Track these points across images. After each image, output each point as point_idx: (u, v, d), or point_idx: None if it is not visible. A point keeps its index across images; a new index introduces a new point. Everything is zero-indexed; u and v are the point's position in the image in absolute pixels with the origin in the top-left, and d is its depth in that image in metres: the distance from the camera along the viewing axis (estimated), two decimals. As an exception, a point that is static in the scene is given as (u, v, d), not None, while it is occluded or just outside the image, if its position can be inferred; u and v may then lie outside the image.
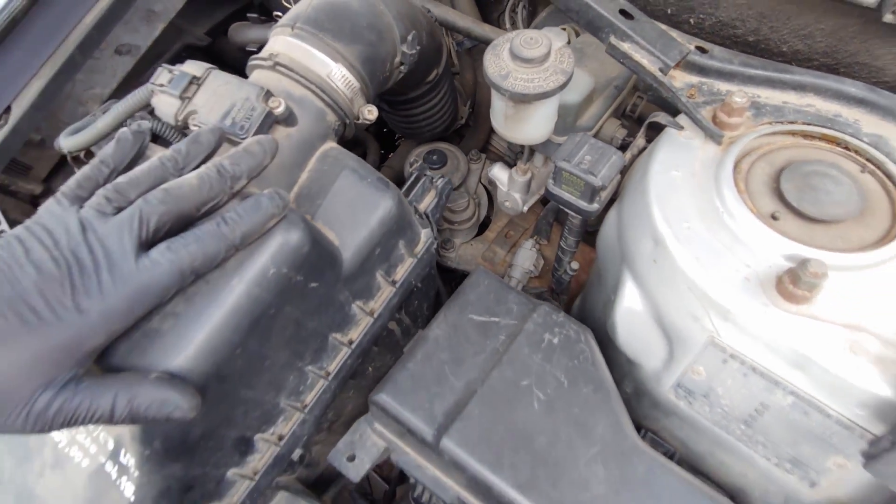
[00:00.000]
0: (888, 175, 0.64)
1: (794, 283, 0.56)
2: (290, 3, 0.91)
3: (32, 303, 0.46)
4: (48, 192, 0.94)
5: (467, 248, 1.16)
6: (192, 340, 0.55)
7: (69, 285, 0.48)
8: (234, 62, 1.11)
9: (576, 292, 1.06)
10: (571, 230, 0.87)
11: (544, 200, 1.14)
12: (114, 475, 0.62)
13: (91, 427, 0.63)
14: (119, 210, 0.51)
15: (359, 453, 0.79)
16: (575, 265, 0.92)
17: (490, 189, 1.21)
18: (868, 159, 0.66)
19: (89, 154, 0.86)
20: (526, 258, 1.08)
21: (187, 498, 0.65)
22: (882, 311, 0.56)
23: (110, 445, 0.62)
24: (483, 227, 1.21)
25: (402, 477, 1.15)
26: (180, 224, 0.52)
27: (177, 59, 1.01)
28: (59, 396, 0.48)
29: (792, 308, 0.57)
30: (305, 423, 0.75)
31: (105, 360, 0.54)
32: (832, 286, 0.57)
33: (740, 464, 0.67)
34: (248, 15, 1.00)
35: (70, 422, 0.49)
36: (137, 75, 0.96)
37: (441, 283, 1.00)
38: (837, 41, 0.73)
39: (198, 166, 0.55)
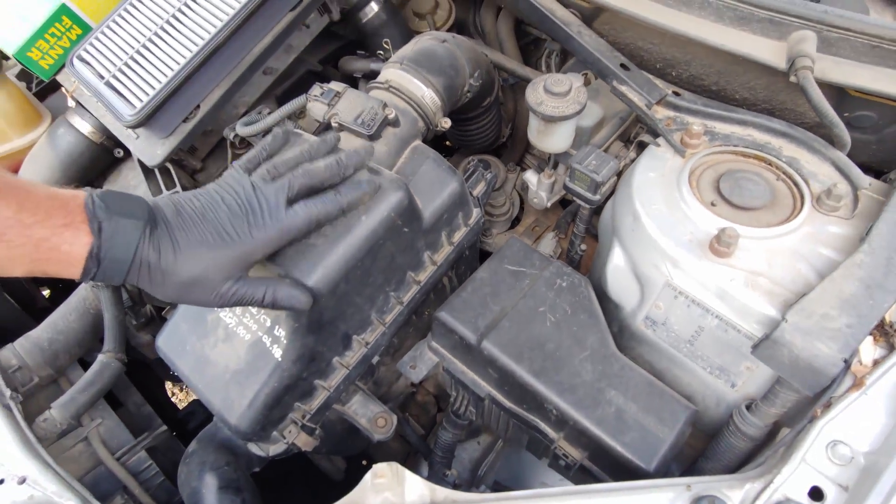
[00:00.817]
0: (795, 182, 0.96)
1: (718, 242, 0.87)
2: (388, 45, 1.27)
3: (227, 229, 0.75)
4: (204, 168, 1.30)
5: (502, 237, 1.49)
6: (333, 251, 0.88)
7: (246, 221, 0.76)
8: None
9: (583, 273, 1.37)
10: (581, 219, 1.19)
11: (563, 204, 1.46)
12: (268, 344, 0.95)
13: (254, 311, 0.96)
14: (275, 179, 0.81)
15: (418, 364, 1.11)
16: (584, 246, 1.24)
17: (522, 194, 1.54)
18: (784, 172, 0.98)
19: (243, 142, 1.22)
20: (548, 246, 1.40)
21: (310, 366, 0.97)
22: (773, 263, 0.87)
23: (268, 323, 0.95)
24: (515, 223, 1.54)
25: (439, 408, 1.46)
26: (312, 192, 0.82)
27: (301, 82, 1.38)
28: (235, 285, 0.77)
29: (718, 260, 0.88)
30: (384, 335, 1.07)
31: (280, 258, 0.87)
32: (745, 248, 0.89)
33: (687, 375, 0.98)
34: (358, 52, 1.37)
35: (238, 302, 0.79)
36: (271, 90, 1.32)
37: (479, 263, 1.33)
38: (772, 93, 1.05)
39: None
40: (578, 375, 0.94)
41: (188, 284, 0.75)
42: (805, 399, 0.82)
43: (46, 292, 1.82)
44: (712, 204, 0.94)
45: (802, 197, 0.93)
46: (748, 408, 0.88)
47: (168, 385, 2.41)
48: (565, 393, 0.92)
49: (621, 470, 0.90)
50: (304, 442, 1.06)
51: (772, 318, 0.83)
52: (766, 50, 0.98)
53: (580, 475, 0.99)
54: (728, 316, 0.87)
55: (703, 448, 1.01)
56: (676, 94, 1.07)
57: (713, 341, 0.91)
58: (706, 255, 0.89)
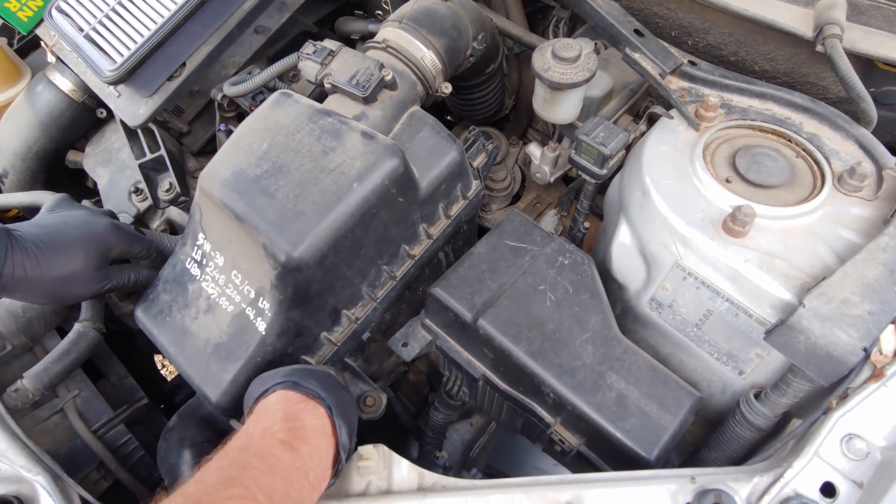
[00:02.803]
0: (815, 160, 0.90)
1: (733, 221, 0.82)
2: (387, 5, 1.19)
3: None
4: (191, 131, 1.24)
5: (501, 213, 1.43)
6: (322, 220, 0.83)
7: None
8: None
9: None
10: (586, 195, 1.13)
11: (566, 180, 1.40)
12: (252, 316, 0.90)
13: (238, 282, 0.91)
14: None
15: (411, 341, 1.06)
16: (587, 224, 1.18)
17: (524, 169, 1.48)
18: (804, 149, 0.92)
19: (231, 103, 1.16)
20: (549, 223, 1.34)
21: (296, 341, 0.92)
22: (790, 245, 0.81)
23: (252, 295, 0.90)
24: (515, 199, 1.48)
25: (431, 387, 1.42)
26: None
27: (295, 43, 1.31)
28: (104, 273, 0.93)
29: (731, 240, 0.83)
30: (376, 311, 1.02)
31: (266, 226, 0.82)
32: (761, 228, 0.83)
33: (693, 360, 0.93)
34: (356, 12, 1.30)
35: (111, 288, 0.94)
36: (263, 50, 1.25)
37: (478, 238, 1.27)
38: (794, 65, 0.98)
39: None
40: (578, 358, 0.89)
41: (64, 280, 0.86)
42: (819, 389, 0.77)
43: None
44: (727, 181, 0.88)
45: (823, 176, 0.88)
46: (756, 396, 0.84)
47: (159, 357, 2.36)
48: (564, 376, 0.88)
49: (620, 458, 0.86)
50: (289, 419, 1.01)
51: (787, 303, 0.78)
52: (791, 17, 0.92)
53: (576, 462, 0.95)
54: (739, 299, 0.82)
55: (704, 436, 0.97)
56: (692, 63, 1.01)
57: (722, 326, 0.86)
58: (719, 235, 0.84)
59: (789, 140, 0.93)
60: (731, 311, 0.84)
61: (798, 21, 0.91)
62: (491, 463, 1.29)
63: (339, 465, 0.76)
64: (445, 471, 1.19)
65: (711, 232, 0.84)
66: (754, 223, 0.82)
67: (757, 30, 0.97)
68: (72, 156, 1.37)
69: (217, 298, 0.93)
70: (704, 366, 0.92)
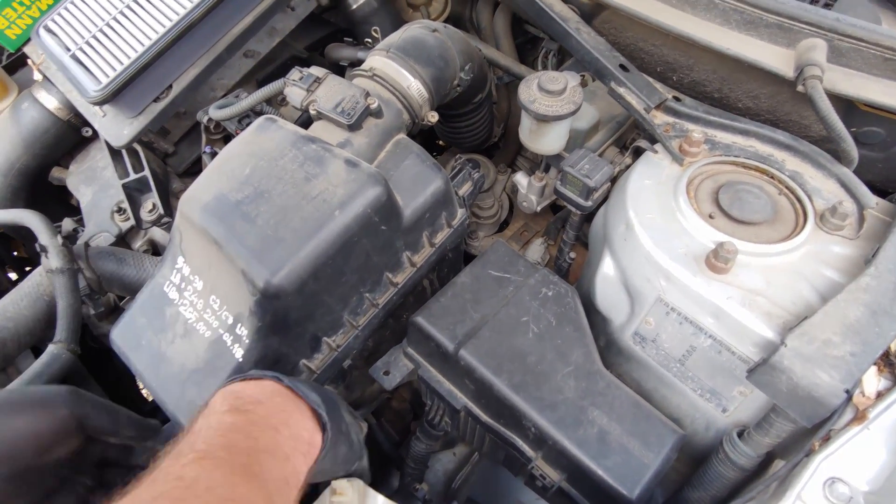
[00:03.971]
0: (798, 198, 0.90)
1: (715, 258, 0.81)
2: (376, 33, 1.20)
3: None
4: (177, 153, 1.23)
5: (488, 241, 1.43)
6: (303, 246, 0.82)
7: None
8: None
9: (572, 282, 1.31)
10: (572, 225, 1.13)
11: (554, 209, 1.41)
12: (229, 343, 0.88)
13: (216, 307, 0.89)
14: None
15: (392, 370, 1.04)
16: (573, 254, 1.18)
17: (511, 196, 1.48)
18: (786, 186, 0.92)
19: (218, 126, 1.15)
20: (536, 252, 1.34)
21: (274, 369, 0.89)
22: (773, 282, 0.81)
23: (230, 321, 0.88)
24: (503, 227, 1.47)
25: (415, 415, 1.39)
26: None
27: (284, 68, 1.31)
28: None
29: (714, 276, 0.83)
30: (357, 338, 1.00)
31: (245, 252, 0.81)
32: (743, 264, 0.83)
33: (676, 396, 0.92)
34: (345, 39, 1.31)
35: None
36: (252, 74, 1.26)
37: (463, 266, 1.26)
38: (776, 103, 1.00)
39: None
40: (560, 392, 0.87)
41: None
42: (802, 430, 0.76)
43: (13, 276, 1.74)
44: (710, 216, 0.88)
45: (805, 213, 0.88)
46: (740, 435, 0.83)
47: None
48: (546, 410, 0.86)
49: (602, 495, 0.84)
50: (265, 449, 0.98)
51: (769, 342, 0.78)
52: (773, 57, 0.93)
53: (558, 498, 0.93)
54: (722, 336, 0.82)
55: (688, 473, 0.95)
56: (677, 99, 1.02)
57: (705, 362, 0.85)
58: (702, 271, 0.83)
59: (772, 177, 0.93)
60: (714, 348, 0.83)
61: (779, 61, 0.92)
62: (473, 497, 1.27)
63: (325, 426, 0.68)
64: (425, 504, 1.16)
65: (694, 268, 0.84)
66: (737, 260, 0.82)
67: (740, 68, 0.98)
68: (56, 173, 1.36)
69: (194, 323, 0.91)
70: (688, 402, 0.91)
